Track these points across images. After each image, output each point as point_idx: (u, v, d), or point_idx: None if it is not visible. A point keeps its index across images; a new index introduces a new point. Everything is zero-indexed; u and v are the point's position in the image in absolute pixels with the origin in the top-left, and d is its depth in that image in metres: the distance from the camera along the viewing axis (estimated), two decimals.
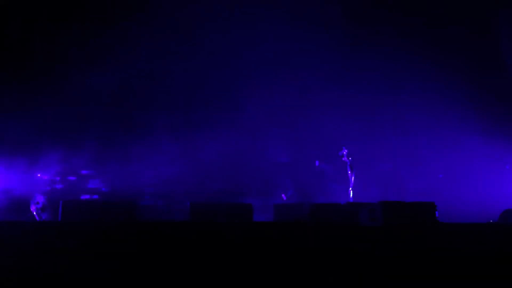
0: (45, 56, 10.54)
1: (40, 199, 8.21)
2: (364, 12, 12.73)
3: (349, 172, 9.38)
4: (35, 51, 10.63)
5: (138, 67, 10.62)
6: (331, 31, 12.31)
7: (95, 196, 9.89)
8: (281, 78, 11.74)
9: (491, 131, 11.55)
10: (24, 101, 9.79)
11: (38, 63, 10.54)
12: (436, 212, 7.06)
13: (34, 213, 8.14)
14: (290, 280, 4.71)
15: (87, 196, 9.73)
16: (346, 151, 9.43)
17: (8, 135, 9.36)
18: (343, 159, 9.47)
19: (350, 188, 9.31)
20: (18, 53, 10.51)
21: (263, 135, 11.21)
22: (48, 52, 10.54)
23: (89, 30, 10.79)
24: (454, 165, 11.99)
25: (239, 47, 11.49)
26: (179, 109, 11.29)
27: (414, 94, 12.30)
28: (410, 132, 12.18)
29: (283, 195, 10.94)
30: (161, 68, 11.08)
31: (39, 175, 8.49)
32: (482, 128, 11.52)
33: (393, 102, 12.15)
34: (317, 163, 11.47)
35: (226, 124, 11.09)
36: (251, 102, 11.16)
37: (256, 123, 11.25)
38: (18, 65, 10.44)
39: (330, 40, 12.10)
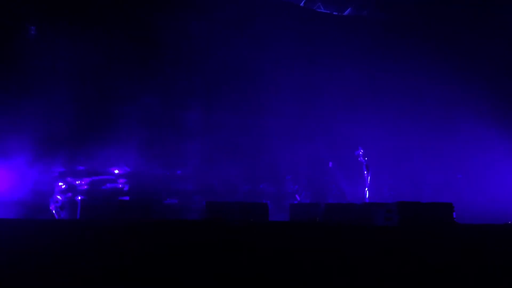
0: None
1: (59, 197, 8.33)
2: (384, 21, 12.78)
3: (365, 172, 9.32)
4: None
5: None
6: (353, 35, 12.34)
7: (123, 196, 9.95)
8: (298, 79, 11.75)
9: (510, 132, 11.43)
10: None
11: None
12: (454, 213, 7.00)
13: (53, 211, 8.27)
14: (306, 278, 4.71)
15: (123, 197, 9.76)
16: (362, 151, 9.37)
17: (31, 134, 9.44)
18: (359, 159, 9.41)
19: (366, 188, 9.26)
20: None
21: (279, 135, 11.21)
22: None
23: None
24: (472, 166, 11.87)
25: (260, 50, 11.49)
26: (200, 109, 11.34)
27: (433, 94, 12.21)
28: (429, 133, 12.08)
29: (296, 196, 10.93)
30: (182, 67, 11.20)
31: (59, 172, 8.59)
32: (502, 130, 11.40)
33: (412, 104, 12.07)
34: (330, 164, 11.44)
35: (244, 125, 11.15)
36: (268, 104, 11.18)
37: (273, 125, 11.26)
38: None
39: (350, 42, 12.13)
